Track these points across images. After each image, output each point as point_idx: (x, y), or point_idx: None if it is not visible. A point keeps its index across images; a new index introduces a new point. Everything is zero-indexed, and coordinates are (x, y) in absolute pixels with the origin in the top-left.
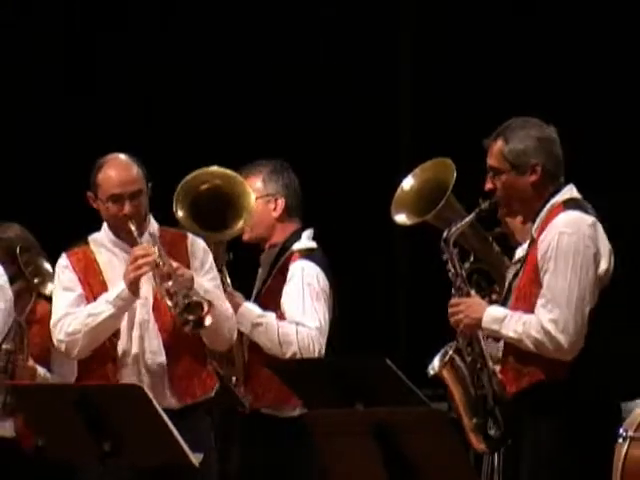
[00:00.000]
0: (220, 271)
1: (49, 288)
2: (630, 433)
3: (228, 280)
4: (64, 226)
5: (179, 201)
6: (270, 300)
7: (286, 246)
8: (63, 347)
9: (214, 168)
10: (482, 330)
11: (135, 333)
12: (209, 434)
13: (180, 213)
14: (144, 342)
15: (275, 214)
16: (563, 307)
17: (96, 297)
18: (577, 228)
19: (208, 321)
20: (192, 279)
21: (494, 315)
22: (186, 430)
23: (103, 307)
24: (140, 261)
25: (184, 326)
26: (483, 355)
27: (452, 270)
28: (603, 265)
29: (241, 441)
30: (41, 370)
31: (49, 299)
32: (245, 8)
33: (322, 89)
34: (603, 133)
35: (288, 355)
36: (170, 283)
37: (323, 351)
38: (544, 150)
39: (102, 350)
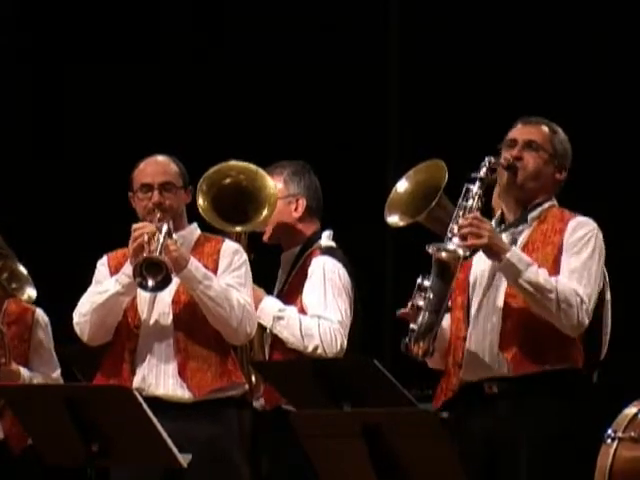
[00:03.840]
0: None
1: (27, 293)
2: (619, 434)
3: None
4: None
5: (202, 193)
6: (291, 295)
7: (306, 246)
8: (78, 330)
9: (234, 162)
10: (499, 262)
11: (151, 324)
12: (232, 432)
13: (202, 205)
14: (159, 334)
15: (296, 215)
16: (593, 290)
17: None
18: (601, 233)
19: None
20: (183, 257)
21: (522, 255)
22: (203, 426)
23: (110, 285)
24: (136, 233)
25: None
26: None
27: (477, 190)
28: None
29: (267, 438)
30: (25, 372)
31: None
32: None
33: (313, 89)
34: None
35: (310, 349)
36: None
37: (345, 344)
38: (570, 164)
39: (119, 344)
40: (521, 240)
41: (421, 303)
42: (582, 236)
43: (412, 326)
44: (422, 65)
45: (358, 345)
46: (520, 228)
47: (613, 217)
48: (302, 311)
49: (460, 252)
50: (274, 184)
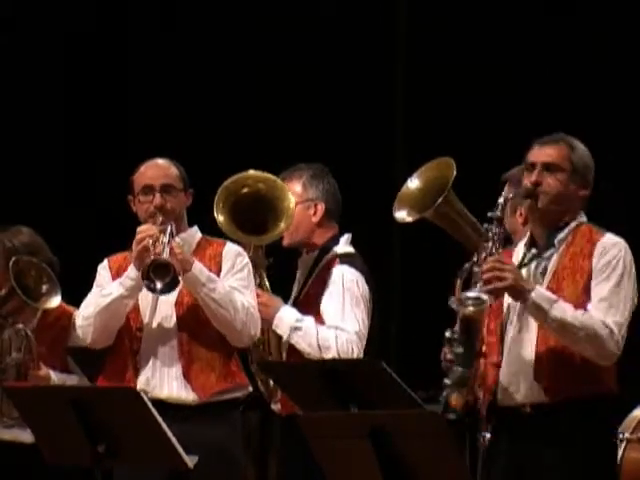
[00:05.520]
0: (259, 275)
1: (50, 302)
2: (627, 435)
3: (267, 284)
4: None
5: (219, 205)
6: (309, 304)
7: (324, 250)
8: (81, 333)
9: (254, 172)
10: (524, 302)
11: (155, 327)
12: (236, 434)
13: (220, 217)
14: (163, 336)
15: (315, 219)
16: (623, 317)
17: None
18: (630, 251)
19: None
20: (187, 260)
21: (545, 293)
22: (207, 428)
23: (114, 288)
24: (140, 235)
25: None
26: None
27: (495, 230)
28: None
29: (279, 444)
30: (54, 376)
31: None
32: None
33: (317, 90)
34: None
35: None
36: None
37: (361, 355)
38: (593, 177)
39: (122, 346)
40: (550, 267)
41: (451, 357)
42: (610, 260)
43: (445, 381)
44: (428, 65)
45: (374, 352)
46: (548, 253)
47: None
48: (320, 320)
49: (485, 298)
50: (292, 198)
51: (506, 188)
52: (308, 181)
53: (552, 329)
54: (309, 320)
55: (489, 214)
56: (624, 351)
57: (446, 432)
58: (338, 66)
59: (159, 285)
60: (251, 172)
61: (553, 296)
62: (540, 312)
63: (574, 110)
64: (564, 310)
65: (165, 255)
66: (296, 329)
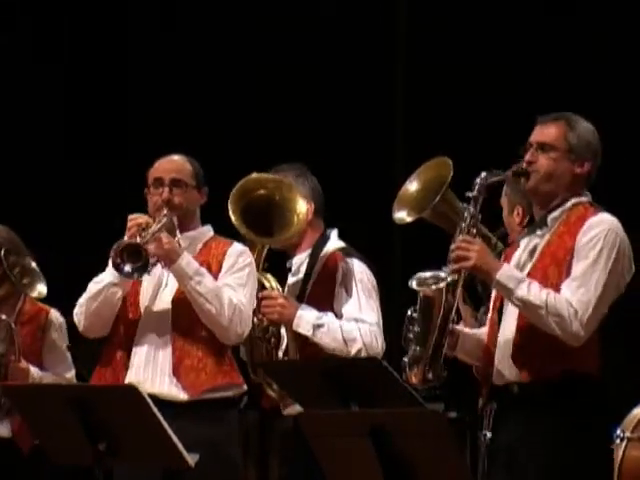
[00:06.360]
0: (266, 278)
1: (37, 289)
2: (628, 434)
3: (278, 286)
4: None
5: (233, 202)
6: (318, 302)
7: (318, 248)
8: (76, 320)
9: (274, 176)
10: (491, 282)
11: (150, 319)
12: (231, 433)
13: (233, 215)
14: (157, 329)
15: (307, 218)
16: (593, 297)
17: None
18: (621, 232)
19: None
20: (175, 251)
21: (512, 273)
22: (200, 426)
23: (106, 275)
24: (130, 223)
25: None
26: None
27: (471, 210)
28: (628, 276)
29: (282, 445)
30: (34, 370)
31: (39, 299)
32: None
33: (317, 90)
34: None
35: (353, 352)
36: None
37: (384, 345)
38: (597, 153)
39: (117, 336)
40: (540, 246)
41: (410, 336)
42: (592, 238)
43: (404, 359)
44: (428, 65)
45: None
46: (541, 232)
47: None
48: (335, 316)
49: (443, 276)
50: (304, 203)
51: (505, 187)
52: (295, 180)
53: (517, 307)
54: (330, 316)
55: (467, 194)
56: (624, 350)
57: (447, 431)
58: (338, 66)
59: (127, 267)
60: (271, 176)
61: (521, 275)
62: (505, 291)
63: (573, 110)
64: (529, 289)
65: (146, 241)
66: (319, 326)
